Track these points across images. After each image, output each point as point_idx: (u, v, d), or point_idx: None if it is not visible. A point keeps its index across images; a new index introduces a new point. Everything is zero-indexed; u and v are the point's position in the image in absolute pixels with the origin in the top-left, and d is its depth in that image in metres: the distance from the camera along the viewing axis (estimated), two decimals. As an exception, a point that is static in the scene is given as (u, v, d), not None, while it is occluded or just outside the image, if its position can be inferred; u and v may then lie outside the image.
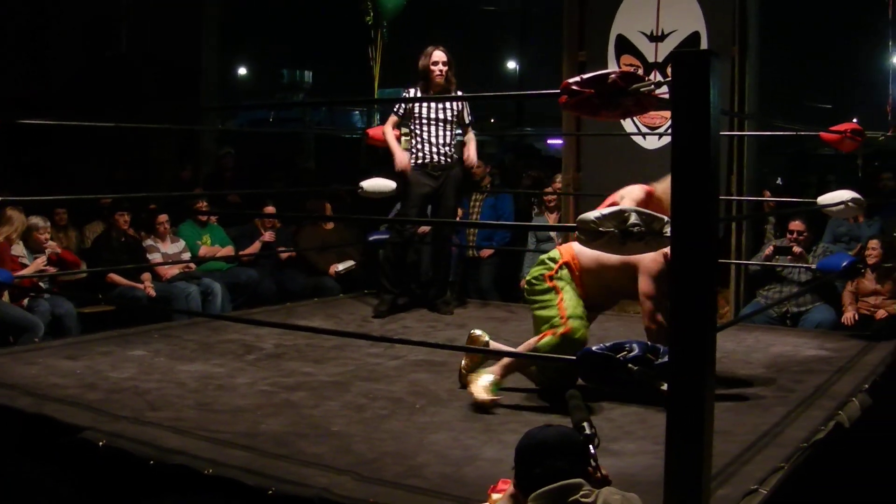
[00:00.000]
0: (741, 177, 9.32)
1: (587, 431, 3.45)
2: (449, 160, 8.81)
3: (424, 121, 8.75)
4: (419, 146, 8.77)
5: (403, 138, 9.34)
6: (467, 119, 8.99)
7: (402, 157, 8.77)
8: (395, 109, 8.99)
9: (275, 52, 42.44)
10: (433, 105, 8.74)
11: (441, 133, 8.76)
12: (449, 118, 8.80)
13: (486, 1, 35.55)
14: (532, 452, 3.29)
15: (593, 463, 3.37)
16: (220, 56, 16.54)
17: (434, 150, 8.73)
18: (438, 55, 8.64)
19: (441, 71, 8.62)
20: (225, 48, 18.50)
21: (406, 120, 8.92)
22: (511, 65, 40.34)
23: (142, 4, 14.44)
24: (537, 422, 4.19)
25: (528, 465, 3.27)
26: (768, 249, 9.54)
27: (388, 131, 8.89)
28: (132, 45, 14.46)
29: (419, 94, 8.80)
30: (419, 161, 8.76)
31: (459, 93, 8.92)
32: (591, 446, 3.39)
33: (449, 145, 8.80)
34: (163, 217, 10.37)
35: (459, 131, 9.06)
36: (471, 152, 8.89)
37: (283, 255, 11.27)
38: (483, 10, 36.08)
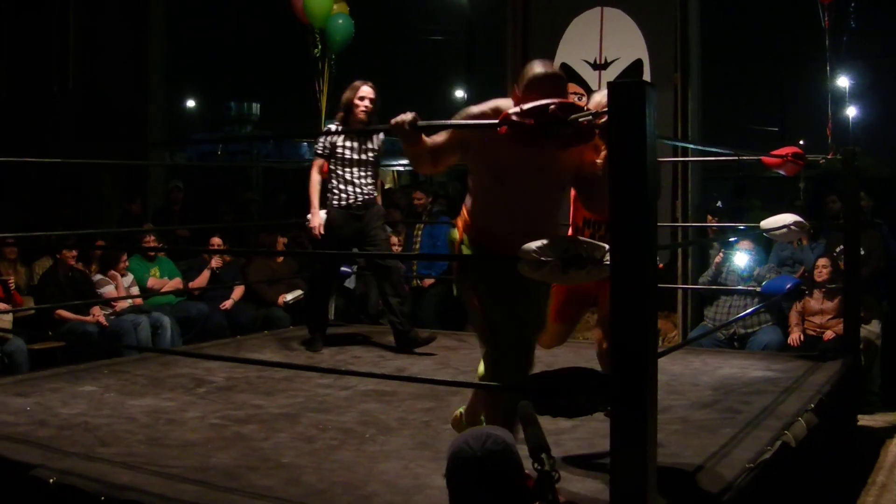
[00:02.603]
0: (686, 202, 9.41)
1: (545, 467, 3.35)
2: (370, 196, 8.49)
3: (347, 161, 8.38)
4: (341, 186, 8.43)
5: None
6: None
7: (315, 219, 8.49)
8: (317, 151, 8.61)
9: (222, 85, 42.46)
10: (356, 145, 8.38)
11: (364, 174, 8.43)
12: (372, 159, 8.46)
13: (432, 31, 35.71)
14: (464, 481, 3.14)
15: (550, 497, 3.30)
16: (166, 89, 16.48)
17: (358, 190, 8.39)
18: (366, 90, 8.31)
19: (367, 107, 8.29)
20: (173, 81, 18.46)
21: (328, 158, 8.49)
22: (459, 93, 40.48)
23: (88, 38, 14.39)
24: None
25: (459, 487, 3.15)
26: (718, 257, 9.61)
27: (314, 180, 8.53)
28: (78, 80, 14.39)
29: (339, 128, 8.48)
30: (343, 203, 8.40)
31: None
32: (552, 482, 3.30)
33: (372, 185, 8.49)
34: (122, 256, 10.32)
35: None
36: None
37: (235, 293, 11.16)
38: (430, 40, 36.26)
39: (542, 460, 3.19)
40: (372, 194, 8.52)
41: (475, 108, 4.61)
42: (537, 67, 4.51)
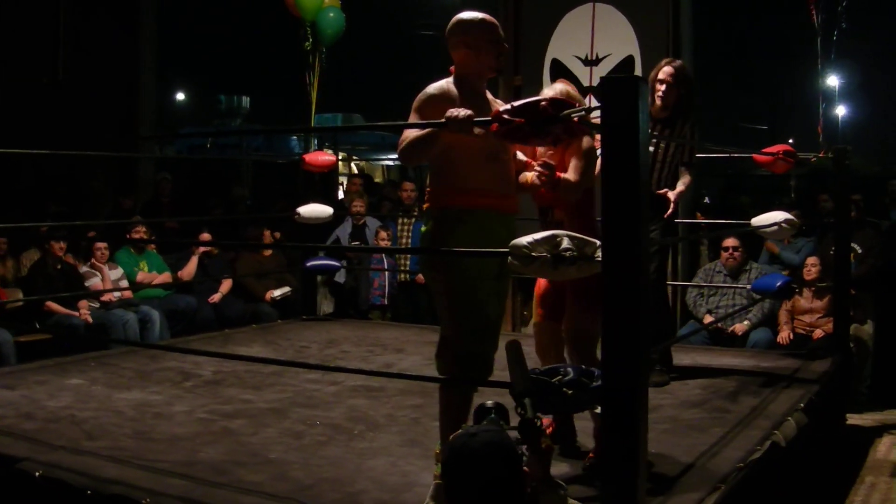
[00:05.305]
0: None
1: (528, 413, 3.30)
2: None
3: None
4: None
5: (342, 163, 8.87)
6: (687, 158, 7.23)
7: None
8: None
9: (212, 78, 42.32)
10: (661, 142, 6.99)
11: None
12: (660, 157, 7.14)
13: (424, 25, 35.65)
14: (461, 474, 3.13)
15: (534, 443, 3.24)
16: (156, 82, 16.42)
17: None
18: (666, 71, 6.95)
19: (662, 92, 6.96)
20: (163, 74, 18.42)
21: None
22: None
23: (77, 32, 14.34)
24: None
25: (459, 483, 3.14)
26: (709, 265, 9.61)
27: None
28: (69, 72, 14.34)
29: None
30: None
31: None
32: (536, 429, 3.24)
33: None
34: (101, 244, 10.25)
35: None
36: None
37: (223, 287, 11.10)
38: (421, 35, 36.19)
39: (524, 405, 3.16)
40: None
41: (431, 89, 4.66)
42: (470, 15, 4.83)
